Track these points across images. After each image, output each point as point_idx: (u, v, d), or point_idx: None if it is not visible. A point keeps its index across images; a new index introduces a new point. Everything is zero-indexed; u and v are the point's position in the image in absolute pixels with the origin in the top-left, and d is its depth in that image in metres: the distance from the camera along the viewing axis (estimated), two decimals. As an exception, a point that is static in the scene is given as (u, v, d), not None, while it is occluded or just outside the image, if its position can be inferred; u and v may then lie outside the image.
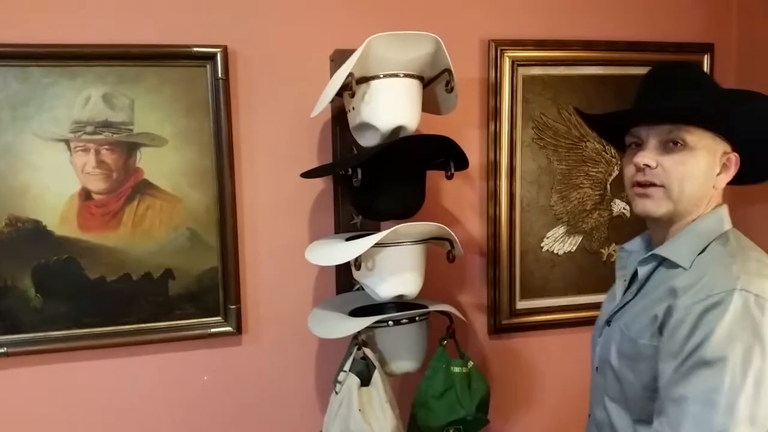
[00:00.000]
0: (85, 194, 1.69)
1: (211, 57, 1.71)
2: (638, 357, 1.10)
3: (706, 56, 2.05)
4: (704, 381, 0.95)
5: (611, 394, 1.19)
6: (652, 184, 1.09)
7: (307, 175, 1.64)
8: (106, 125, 1.69)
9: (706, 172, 1.10)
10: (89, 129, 1.68)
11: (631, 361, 1.11)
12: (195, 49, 1.70)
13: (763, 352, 0.95)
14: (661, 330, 1.06)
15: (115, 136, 1.69)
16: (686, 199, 1.10)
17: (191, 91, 1.73)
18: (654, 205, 1.10)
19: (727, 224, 1.15)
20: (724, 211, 1.15)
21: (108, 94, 1.69)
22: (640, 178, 1.10)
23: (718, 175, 1.11)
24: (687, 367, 0.98)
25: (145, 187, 1.72)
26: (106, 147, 1.69)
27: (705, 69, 2.05)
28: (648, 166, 1.08)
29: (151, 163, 1.72)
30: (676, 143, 1.08)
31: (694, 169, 1.08)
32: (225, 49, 1.72)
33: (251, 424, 1.85)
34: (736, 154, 1.12)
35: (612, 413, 1.18)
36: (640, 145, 1.12)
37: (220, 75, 1.71)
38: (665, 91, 1.11)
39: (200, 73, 1.73)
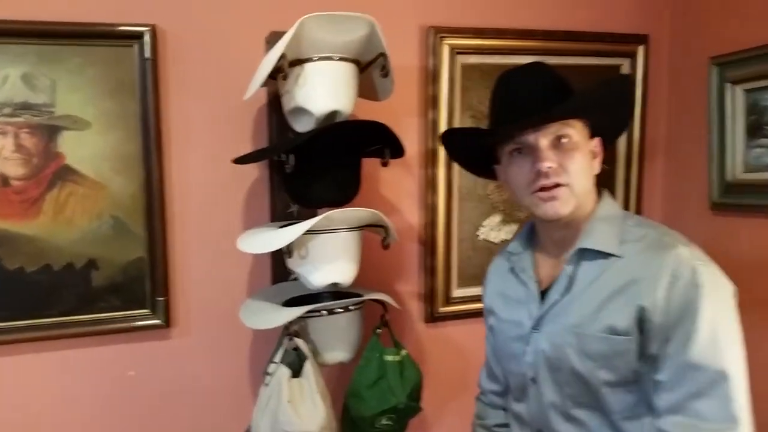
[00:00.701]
0: (2, 180, 1.60)
1: (139, 36, 1.64)
2: (613, 354, 1.08)
3: (641, 47, 2.09)
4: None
5: (580, 400, 1.14)
6: (558, 185, 1.09)
7: (239, 161, 1.59)
8: (26, 107, 1.60)
9: (589, 162, 1.14)
10: (7, 111, 1.59)
11: (605, 360, 1.09)
12: (121, 27, 1.63)
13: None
14: (642, 325, 1.05)
15: (35, 118, 1.61)
16: (583, 194, 1.13)
17: (117, 72, 1.65)
18: (563, 206, 1.10)
19: (618, 205, 1.21)
20: (609, 194, 1.21)
21: (28, 75, 1.59)
22: (544, 182, 1.09)
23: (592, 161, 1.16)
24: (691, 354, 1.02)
25: (66, 173, 1.64)
26: (26, 130, 1.60)
27: (639, 60, 2.10)
28: (551, 167, 1.08)
29: (73, 148, 1.63)
30: (561, 140, 1.09)
31: (583, 162, 1.12)
32: (153, 29, 1.64)
33: (180, 419, 1.80)
34: (598, 138, 1.17)
35: (584, 419, 1.15)
36: (521, 151, 1.12)
37: (147, 55, 1.64)
38: (536, 93, 1.12)
39: (127, 54, 1.65)
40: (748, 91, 1.85)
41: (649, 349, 1.06)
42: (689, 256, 1.05)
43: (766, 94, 1.79)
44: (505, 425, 1.39)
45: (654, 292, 1.04)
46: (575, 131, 1.11)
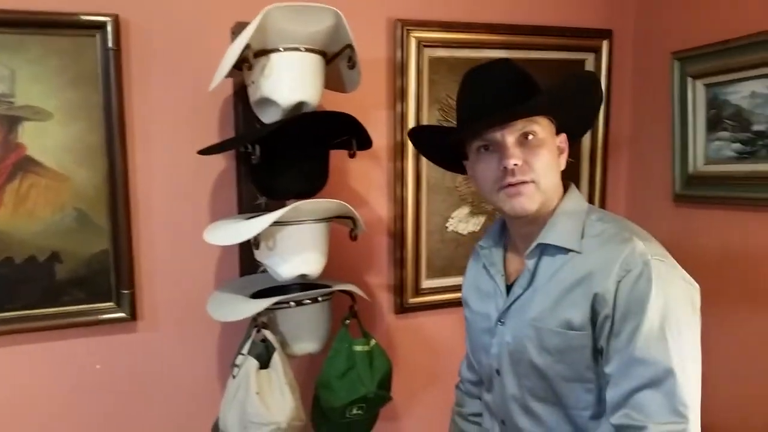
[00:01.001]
0: (-40, 171, 1.56)
1: (101, 26, 1.61)
2: (569, 348, 1.09)
3: (605, 42, 2.13)
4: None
5: (538, 394, 1.16)
6: (523, 182, 1.10)
7: (204, 152, 1.57)
8: (-17, 97, 1.56)
9: (556, 158, 1.15)
10: (-36, 101, 1.55)
11: (561, 354, 1.10)
12: (83, 17, 1.60)
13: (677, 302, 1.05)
14: (594, 318, 1.06)
15: (-7, 108, 1.57)
16: (550, 189, 1.14)
17: (79, 62, 1.62)
18: (529, 202, 1.11)
19: (585, 200, 1.22)
20: (575, 188, 1.22)
21: (-15, 64, 1.56)
22: (511, 179, 1.09)
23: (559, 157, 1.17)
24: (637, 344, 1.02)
25: (27, 164, 1.60)
26: (-17, 120, 1.57)
27: (603, 54, 2.14)
28: (516, 165, 1.08)
29: (34, 139, 1.60)
30: (527, 137, 1.10)
31: (550, 158, 1.12)
32: (116, 18, 1.62)
33: (147, 412, 1.78)
34: (564, 134, 1.18)
35: (541, 414, 1.16)
36: (487, 148, 1.13)
37: (110, 45, 1.61)
38: (502, 90, 1.12)
39: (89, 43, 1.62)
40: (708, 85, 1.90)
41: (599, 342, 1.07)
42: (644, 250, 1.05)
43: (725, 88, 1.84)
44: (481, 414, 1.41)
45: (605, 282, 1.05)
46: (541, 128, 1.11)
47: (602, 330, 1.06)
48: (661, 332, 1.01)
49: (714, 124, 1.88)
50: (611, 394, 1.05)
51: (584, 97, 1.21)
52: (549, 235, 1.14)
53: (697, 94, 1.92)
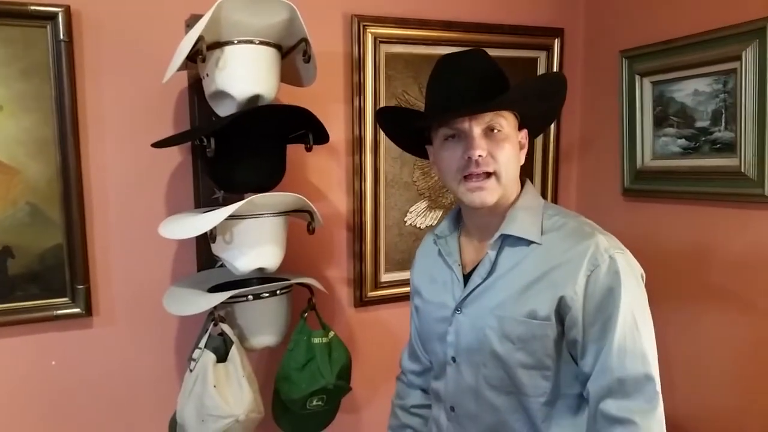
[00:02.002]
0: None
1: (52, 17, 1.58)
2: (532, 337, 1.12)
3: (556, 40, 2.19)
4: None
5: (494, 383, 1.18)
6: (486, 174, 1.13)
7: (159, 144, 1.56)
8: (-71, 89, 1.52)
9: (517, 153, 1.19)
10: None
11: (523, 343, 1.12)
12: (32, 7, 1.56)
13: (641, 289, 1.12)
14: (562, 310, 1.10)
15: (-60, 100, 1.53)
16: (510, 183, 1.18)
17: (30, 53, 1.59)
18: (490, 195, 1.14)
19: (539, 195, 1.27)
20: (530, 184, 1.26)
21: (-69, 55, 1.52)
22: (474, 170, 1.12)
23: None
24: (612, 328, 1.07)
25: (-24, 158, 1.57)
26: (-70, 113, 1.53)
27: (555, 52, 2.20)
28: (481, 156, 1.11)
29: (-17, 132, 1.57)
30: (493, 129, 1.13)
31: (512, 153, 1.16)
32: (68, 9, 1.59)
33: (104, 408, 1.76)
34: (525, 130, 1.22)
35: (495, 402, 1.19)
36: (453, 137, 1.15)
37: (61, 36, 1.59)
38: (473, 81, 1.15)
39: (40, 34, 1.59)
40: (654, 83, 1.97)
41: (570, 334, 1.11)
42: (607, 245, 1.10)
43: (670, 86, 1.91)
44: (422, 406, 1.44)
45: (575, 278, 1.09)
46: (507, 122, 1.14)
47: (575, 324, 1.09)
48: (633, 320, 1.07)
49: (660, 121, 1.96)
50: (595, 384, 1.08)
51: (551, 97, 1.25)
52: (511, 227, 1.17)
53: (644, 91, 1.99)
